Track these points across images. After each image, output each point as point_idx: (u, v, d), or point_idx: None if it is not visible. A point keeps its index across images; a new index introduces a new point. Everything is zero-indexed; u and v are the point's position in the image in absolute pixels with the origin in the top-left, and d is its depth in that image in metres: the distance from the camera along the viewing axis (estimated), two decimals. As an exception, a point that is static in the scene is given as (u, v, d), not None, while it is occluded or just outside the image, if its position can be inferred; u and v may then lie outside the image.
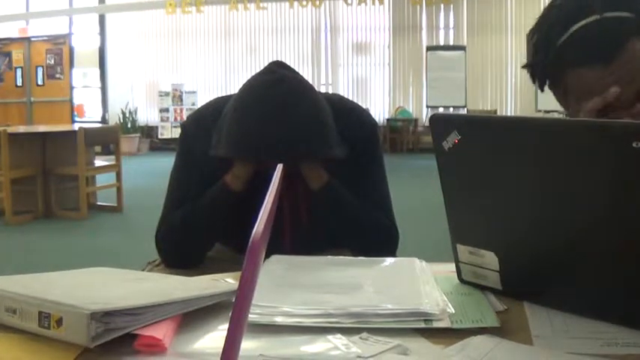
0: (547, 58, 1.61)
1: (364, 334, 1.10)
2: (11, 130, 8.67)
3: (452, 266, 1.39)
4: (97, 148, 10.39)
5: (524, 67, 1.69)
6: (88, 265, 1.59)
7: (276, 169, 1.00)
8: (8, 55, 18.97)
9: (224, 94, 2.24)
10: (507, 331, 1.13)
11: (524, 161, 1.14)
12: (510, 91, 17.08)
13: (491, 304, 1.26)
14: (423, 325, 1.15)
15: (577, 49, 1.54)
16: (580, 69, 1.55)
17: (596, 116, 1.51)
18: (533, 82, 1.68)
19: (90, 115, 18.72)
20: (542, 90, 1.67)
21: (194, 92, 17.81)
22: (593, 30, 1.52)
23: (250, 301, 0.78)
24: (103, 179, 9.39)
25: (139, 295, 1.20)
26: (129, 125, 17.61)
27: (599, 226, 1.09)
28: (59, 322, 1.06)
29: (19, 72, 18.90)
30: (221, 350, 0.68)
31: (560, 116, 2.00)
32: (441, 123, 1.25)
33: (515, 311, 1.24)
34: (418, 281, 1.36)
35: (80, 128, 8.57)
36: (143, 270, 2.11)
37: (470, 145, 1.20)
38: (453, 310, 1.19)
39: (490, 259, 1.28)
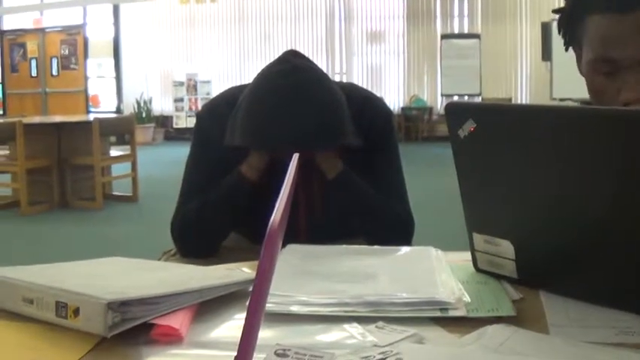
0: (569, 4, 1.59)
1: (380, 323, 1.10)
2: (26, 120, 8.71)
3: (467, 255, 1.39)
4: (112, 139, 10.41)
5: (555, 11, 1.65)
6: (103, 254, 1.60)
7: (292, 158, 1.00)
8: (23, 46, 19.03)
9: (238, 84, 2.24)
10: (523, 320, 1.13)
11: (540, 149, 1.13)
12: (525, 79, 17.01)
13: (507, 293, 1.25)
14: (438, 314, 1.15)
15: None
16: (596, 16, 1.51)
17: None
18: (559, 32, 1.64)
19: (105, 106, 18.75)
20: (566, 49, 1.64)
21: (208, 82, 17.82)
22: None
23: (267, 290, 0.78)
24: (118, 169, 9.41)
25: (155, 284, 1.21)
26: (143, 115, 17.63)
27: (615, 215, 1.09)
28: (76, 311, 1.06)
29: (33, 63, 18.95)
30: (238, 339, 0.69)
31: (576, 104, 1.99)
32: (456, 111, 1.25)
33: (531, 300, 1.23)
34: (434, 270, 1.35)
35: (95, 118, 8.61)
36: (159, 260, 2.11)
37: (486, 133, 1.20)
38: (468, 299, 1.19)
39: (506, 247, 1.28)
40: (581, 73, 1.63)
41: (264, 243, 0.68)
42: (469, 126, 1.20)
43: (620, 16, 1.48)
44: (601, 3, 1.50)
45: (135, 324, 1.06)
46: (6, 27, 19.24)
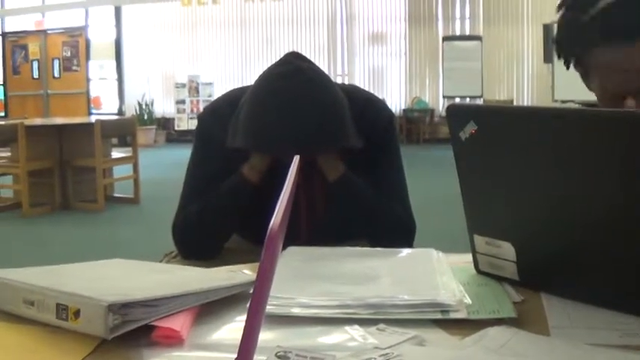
0: (573, 34, 1.58)
1: (381, 325, 1.10)
2: (28, 122, 8.71)
3: (469, 257, 1.39)
4: (114, 140, 10.41)
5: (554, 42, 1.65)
6: (104, 256, 1.60)
7: (293, 160, 1.00)
8: (24, 47, 19.04)
9: (240, 86, 2.24)
10: (524, 322, 1.13)
11: (542, 151, 1.13)
12: (527, 81, 17.00)
13: (509, 295, 1.25)
14: (439, 316, 1.15)
15: (603, 26, 1.50)
16: (605, 48, 1.51)
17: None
18: (559, 58, 1.64)
19: (106, 107, 18.76)
20: (567, 68, 1.64)
21: (210, 84, 17.82)
22: (621, 7, 1.48)
23: (268, 292, 0.78)
24: (120, 171, 9.41)
25: (156, 286, 1.21)
26: (145, 117, 17.64)
27: (616, 216, 1.09)
28: (77, 313, 1.06)
29: (35, 64, 18.96)
30: (239, 342, 0.69)
31: (577, 106, 1.99)
32: (457, 113, 1.25)
33: (533, 302, 1.23)
34: (435, 272, 1.35)
35: (97, 120, 8.61)
36: (160, 262, 2.11)
37: (487, 136, 1.20)
38: (469, 301, 1.19)
39: (507, 249, 1.28)
40: (587, 87, 1.63)
41: (264, 245, 0.68)
42: (470, 128, 1.20)
43: (628, 47, 1.48)
44: (610, 37, 1.50)
45: (136, 326, 1.06)
46: (8, 29, 19.27)
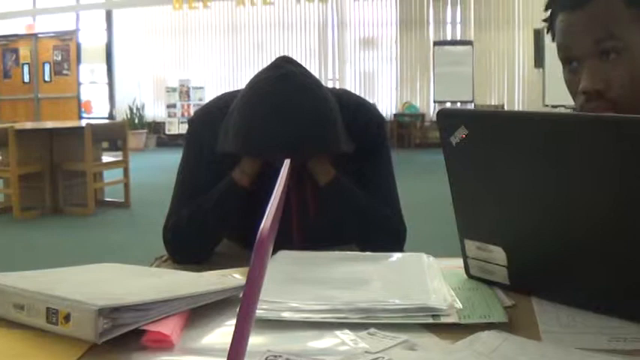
0: (547, 5, 1.62)
1: (372, 330, 1.10)
2: (18, 126, 8.70)
3: (460, 261, 1.39)
4: (105, 144, 10.40)
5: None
6: (95, 260, 1.60)
7: (284, 164, 1.00)
8: (15, 51, 19.01)
9: (231, 90, 2.24)
10: (515, 327, 1.13)
11: (533, 156, 1.14)
12: (517, 86, 17.03)
13: (499, 300, 1.26)
14: (430, 320, 1.15)
15: None
16: (560, 13, 1.55)
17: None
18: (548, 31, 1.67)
19: (97, 111, 18.74)
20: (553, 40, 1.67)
21: (201, 88, 17.82)
22: None
23: (258, 296, 0.78)
24: (111, 175, 9.40)
25: (146, 290, 1.20)
26: (136, 121, 17.62)
27: (607, 222, 1.09)
28: (67, 318, 1.06)
29: (26, 68, 18.93)
30: (227, 346, 0.68)
31: (568, 111, 2.00)
32: (448, 118, 1.25)
33: (523, 306, 1.24)
34: (426, 276, 1.35)
35: (87, 124, 8.60)
36: (151, 266, 2.11)
37: (477, 140, 1.20)
38: (460, 306, 1.19)
39: (498, 254, 1.28)
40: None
41: (254, 249, 0.68)
42: (461, 133, 1.20)
43: (572, 12, 1.51)
44: (561, 1, 1.55)
45: (126, 330, 1.06)
46: (-2, 32, 19.27)
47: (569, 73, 1.57)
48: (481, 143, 1.20)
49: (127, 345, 1.06)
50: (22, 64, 18.96)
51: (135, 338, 1.07)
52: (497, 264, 1.30)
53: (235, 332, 0.69)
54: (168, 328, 1.08)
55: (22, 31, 18.97)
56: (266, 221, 0.71)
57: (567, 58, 1.56)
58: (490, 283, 1.33)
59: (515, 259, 1.27)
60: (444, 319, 1.15)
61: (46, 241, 7.13)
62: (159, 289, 1.23)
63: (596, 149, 1.04)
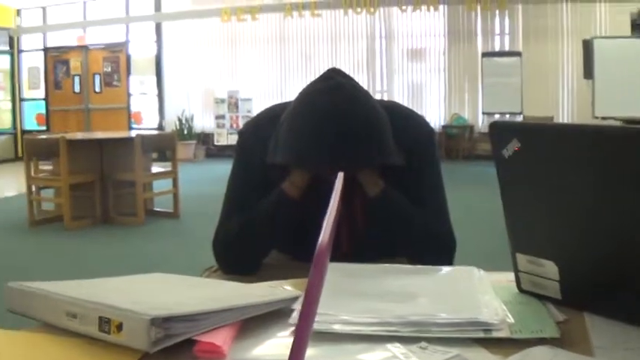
0: None
1: (423, 344, 1.09)
2: (70, 136, 8.79)
3: (510, 275, 1.38)
4: (154, 155, 10.47)
5: None
6: (144, 270, 1.61)
7: (338, 177, 1.00)
8: (66, 62, 19.24)
9: (279, 101, 2.24)
10: (567, 342, 1.12)
11: (585, 169, 1.13)
12: (567, 97, 16.86)
13: (551, 314, 1.24)
14: (482, 334, 1.14)
15: None
16: None
17: None
18: None
19: (147, 122, 18.87)
20: None
21: (250, 99, 17.89)
22: None
23: (316, 309, 0.78)
24: (160, 185, 9.47)
25: (198, 301, 1.21)
26: (185, 132, 17.73)
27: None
28: (119, 327, 1.07)
29: (76, 79, 19.15)
30: (280, 357, 0.69)
31: (618, 123, 1.97)
32: (501, 130, 1.25)
33: (576, 322, 1.22)
34: (477, 290, 1.35)
35: (137, 135, 8.67)
36: (201, 276, 2.12)
37: (530, 153, 1.19)
38: (512, 320, 1.18)
39: (550, 268, 1.27)
40: None
41: (313, 261, 0.68)
42: (514, 146, 1.20)
43: None
44: None
45: (178, 340, 1.07)
46: (50, 44, 19.48)
47: None
48: (534, 156, 1.20)
49: (179, 355, 1.06)
50: (73, 75, 19.18)
51: (186, 348, 1.07)
52: (549, 278, 1.29)
53: (294, 345, 0.69)
54: (220, 338, 1.09)
55: (73, 42, 19.20)
56: (324, 234, 0.71)
57: None
58: (542, 298, 1.32)
59: (568, 274, 1.26)
60: (495, 334, 1.14)
61: (96, 251, 7.20)
62: (210, 299, 1.24)
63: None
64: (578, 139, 1.14)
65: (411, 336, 1.13)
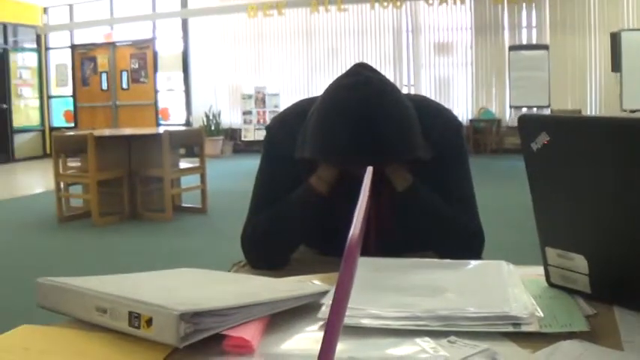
0: None
1: (452, 338, 1.09)
2: (97, 133, 8.84)
3: (540, 269, 1.38)
4: (182, 151, 10.51)
5: None
6: (173, 265, 1.61)
7: (367, 172, 0.99)
8: (93, 59, 19.35)
9: (306, 96, 2.24)
10: (597, 336, 1.11)
11: (615, 162, 1.12)
12: (594, 91, 16.75)
13: (581, 308, 1.24)
14: (511, 328, 1.14)
15: None
16: None
17: None
18: None
19: (174, 119, 18.95)
20: None
21: (277, 94, 17.91)
22: None
23: (346, 304, 0.78)
24: (188, 181, 9.50)
25: (227, 296, 1.22)
26: (212, 128, 17.78)
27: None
28: (149, 322, 1.07)
29: (104, 76, 19.25)
30: (310, 352, 0.69)
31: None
32: (529, 124, 1.24)
33: (605, 316, 1.22)
34: (506, 284, 1.34)
35: (165, 131, 8.70)
36: (229, 271, 2.12)
37: (559, 146, 1.19)
38: (541, 314, 1.17)
39: (579, 262, 1.26)
40: None
41: (344, 256, 0.68)
42: (543, 139, 1.19)
43: None
44: None
45: (207, 335, 1.07)
46: (77, 41, 19.61)
47: None
48: (563, 149, 1.19)
49: (208, 349, 1.07)
50: (100, 72, 19.29)
51: (216, 343, 1.08)
52: (578, 272, 1.28)
53: (325, 340, 0.69)
54: (249, 333, 1.09)
55: (100, 40, 19.31)
56: (354, 229, 0.71)
57: None
58: (571, 292, 1.32)
59: (597, 267, 1.25)
60: (524, 328, 1.14)
61: (125, 246, 7.25)
62: (239, 294, 1.24)
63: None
64: (607, 132, 1.13)
65: (440, 330, 1.13)
